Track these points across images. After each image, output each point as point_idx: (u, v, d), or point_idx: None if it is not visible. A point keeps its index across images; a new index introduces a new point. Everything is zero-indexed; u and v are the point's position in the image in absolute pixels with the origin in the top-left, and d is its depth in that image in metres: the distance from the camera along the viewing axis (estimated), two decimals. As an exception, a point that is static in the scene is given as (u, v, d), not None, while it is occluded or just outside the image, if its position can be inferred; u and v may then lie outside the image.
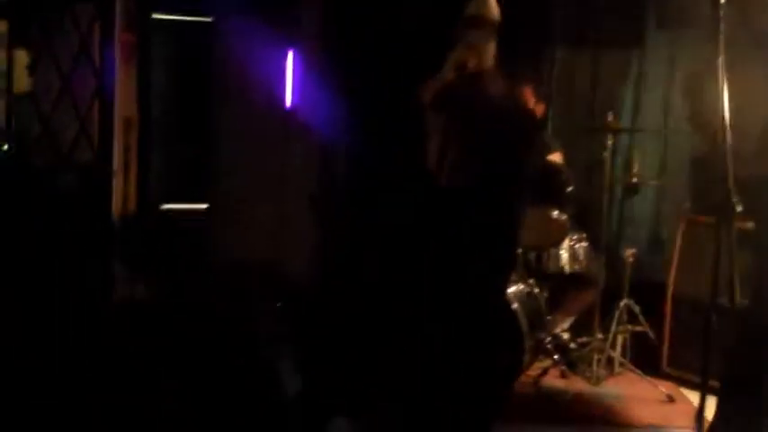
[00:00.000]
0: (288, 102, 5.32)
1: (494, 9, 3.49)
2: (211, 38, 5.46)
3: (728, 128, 3.16)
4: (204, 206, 5.40)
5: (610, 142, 4.41)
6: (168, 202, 5.46)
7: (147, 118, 5.38)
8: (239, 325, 4.44)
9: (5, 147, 5.45)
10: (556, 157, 4.52)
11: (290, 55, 5.32)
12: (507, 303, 3.89)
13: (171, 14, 5.60)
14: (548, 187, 4.18)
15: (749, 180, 2.97)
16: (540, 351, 4.21)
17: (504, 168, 3.57)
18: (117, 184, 5.18)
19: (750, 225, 3.19)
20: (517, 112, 3.69)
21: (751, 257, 3.19)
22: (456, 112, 3.52)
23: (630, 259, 4.43)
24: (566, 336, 4.50)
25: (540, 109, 4.52)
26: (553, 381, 4.24)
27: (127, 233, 5.17)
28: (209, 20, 5.54)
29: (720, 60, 2.85)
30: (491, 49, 3.49)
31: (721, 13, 2.90)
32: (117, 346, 4.02)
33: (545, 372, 4.26)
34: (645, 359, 4.44)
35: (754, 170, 3.04)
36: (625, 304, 4.41)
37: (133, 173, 5.27)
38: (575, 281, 4.45)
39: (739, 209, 2.84)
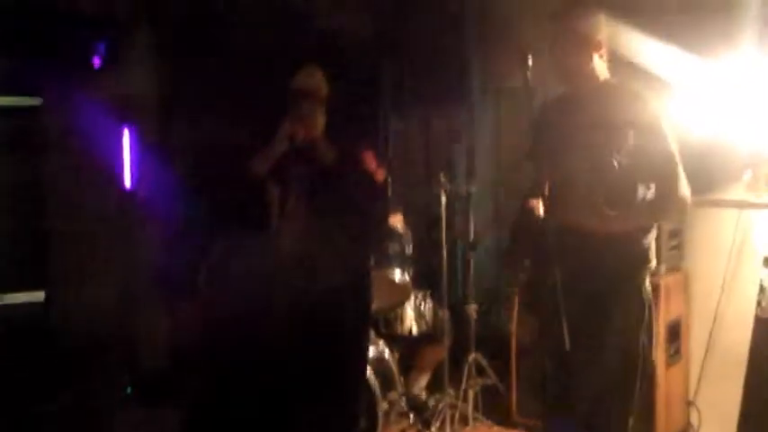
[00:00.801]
0: (126, 182, 5.20)
1: (320, 80, 3.56)
2: (41, 120, 5.30)
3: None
4: (41, 294, 5.16)
5: (444, 200, 4.54)
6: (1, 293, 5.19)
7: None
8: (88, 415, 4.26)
9: None
10: (396, 219, 4.60)
11: (126, 134, 5.22)
12: (362, 371, 3.89)
13: (-5, 99, 5.41)
14: (388, 250, 4.25)
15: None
16: (394, 413, 4.23)
17: (345, 238, 3.60)
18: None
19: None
20: (352, 179, 3.74)
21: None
22: (290, 185, 3.55)
23: (474, 314, 4.55)
24: (420, 394, 4.54)
25: (379, 173, 4.59)
26: (410, 442, 4.27)
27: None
28: (37, 102, 5.37)
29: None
30: (321, 120, 3.56)
31: (529, 75, 3.09)
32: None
33: (401, 434, 4.29)
34: (496, 410, 4.55)
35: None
36: (473, 358, 4.52)
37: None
38: (424, 339, 4.52)
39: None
